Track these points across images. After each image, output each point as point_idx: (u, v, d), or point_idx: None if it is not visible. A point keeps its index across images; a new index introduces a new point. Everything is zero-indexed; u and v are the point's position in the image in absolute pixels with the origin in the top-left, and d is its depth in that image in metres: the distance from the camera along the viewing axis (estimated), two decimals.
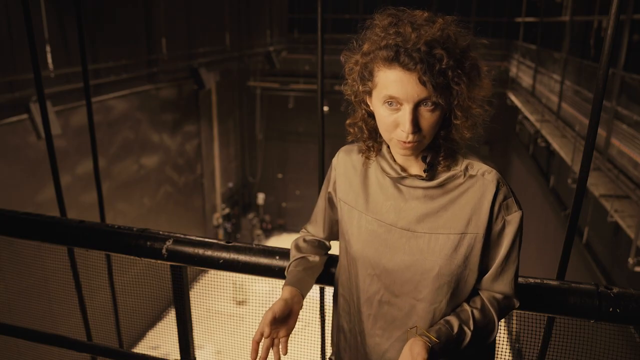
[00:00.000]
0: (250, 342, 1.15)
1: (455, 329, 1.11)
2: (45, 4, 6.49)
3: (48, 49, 6.66)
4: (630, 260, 4.17)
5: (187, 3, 10.28)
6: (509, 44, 13.28)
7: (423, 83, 1.01)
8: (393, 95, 1.05)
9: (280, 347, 1.16)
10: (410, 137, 1.06)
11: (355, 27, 1.14)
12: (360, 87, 1.13)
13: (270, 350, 1.16)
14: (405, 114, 1.05)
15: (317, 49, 1.85)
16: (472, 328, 1.12)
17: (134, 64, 8.68)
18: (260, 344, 1.14)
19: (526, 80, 10.51)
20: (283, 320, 1.18)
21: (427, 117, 1.06)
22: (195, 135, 11.14)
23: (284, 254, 1.56)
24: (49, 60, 6.70)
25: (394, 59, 1.03)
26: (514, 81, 11.46)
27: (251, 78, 14.01)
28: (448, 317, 1.14)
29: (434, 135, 1.10)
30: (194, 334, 1.85)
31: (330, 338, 1.46)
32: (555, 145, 6.92)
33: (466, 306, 1.16)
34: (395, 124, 1.07)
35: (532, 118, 8.45)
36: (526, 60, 11.00)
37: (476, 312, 1.14)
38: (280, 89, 13.89)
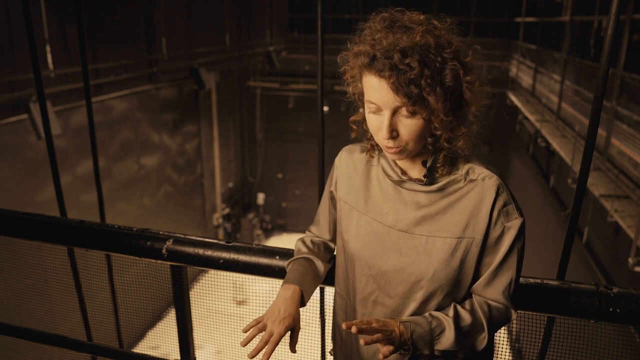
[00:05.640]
0: (253, 343, 1.15)
1: (430, 316, 1.11)
2: (45, 4, 6.48)
3: (48, 49, 6.66)
4: (630, 260, 4.17)
5: (187, 3, 10.27)
6: (509, 44, 13.27)
7: (395, 91, 1.00)
8: (372, 100, 1.05)
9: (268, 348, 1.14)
10: (390, 143, 1.07)
11: (356, 27, 1.14)
12: (356, 88, 1.14)
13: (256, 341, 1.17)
14: (383, 120, 1.05)
15: (317, 49, 1.85)
16: (451, 315, 1.11)
17: (134, 64, 8.68)
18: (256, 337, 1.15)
19: (526, 80, 10.50)
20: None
21: (407, 123, 1.05)
22: (195, 135, 11.13)
23: (284, 254, 1.56)
24: (49, 60, 6.69)
25: (369, 65, 1.03)
26: (514, 81, 11.44)
27: (251, 78, 14.00)
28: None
29: (420, 142, 1.08)
30: (194, 334, 1.85)
31: (331, 335, 1.46)
32: (555, 145, 6.91)
33: (453, 304, 1.15)
34: (379, 128, 1.07)
35: (532, 118, 8.45)
36: (526, 60, 10.99)
37: (461, 310, 1.13)
38: (280, 89, 13.88)
